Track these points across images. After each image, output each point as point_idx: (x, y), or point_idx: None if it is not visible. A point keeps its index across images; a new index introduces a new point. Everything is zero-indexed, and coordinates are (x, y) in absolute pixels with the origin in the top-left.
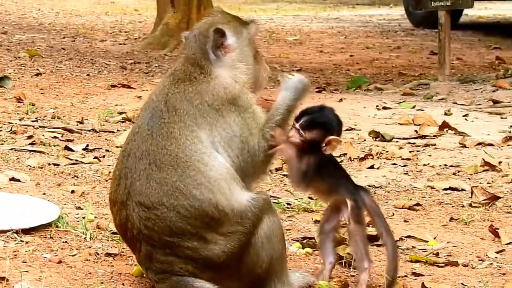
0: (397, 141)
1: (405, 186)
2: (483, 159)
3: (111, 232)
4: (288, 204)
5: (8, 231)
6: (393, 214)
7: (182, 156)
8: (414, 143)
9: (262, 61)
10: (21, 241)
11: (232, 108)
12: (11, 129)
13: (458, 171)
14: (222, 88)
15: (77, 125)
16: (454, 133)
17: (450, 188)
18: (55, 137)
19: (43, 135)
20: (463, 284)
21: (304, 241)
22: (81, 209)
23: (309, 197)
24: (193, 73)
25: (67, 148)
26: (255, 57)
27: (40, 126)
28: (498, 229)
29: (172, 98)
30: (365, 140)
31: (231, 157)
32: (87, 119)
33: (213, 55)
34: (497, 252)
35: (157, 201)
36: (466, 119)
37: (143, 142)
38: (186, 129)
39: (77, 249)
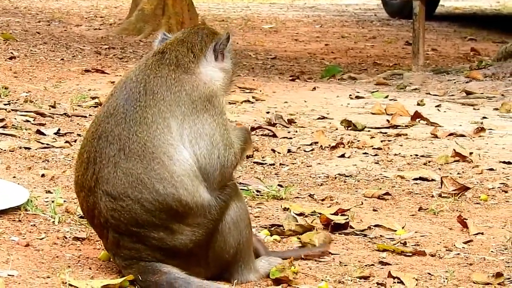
0: (369, 131)
1: (375, 176)
2: (454, 150)
3: (79, 216)
4: (257, 191)
5: None
6: (362, 203)
7: (150, 146)
8: (385, 133)
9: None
10: None
11: (208, 105)
12: None
13: (429, 161)
14: (202, 83)
15: (50, 109)
16: (426, 124)
17: (420, 178)
18: (27, 121)
19: (15, 118)
20: (429, 273)
21: (273, 228)
22: (51, 193)
23: (278, 185)
24: (185, 58)
25: (38, 132)
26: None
27: (12, 110)
28: (467, 219)
29: (153, 82)
30: (336, 129)
31: (197, 155)
32: (59, 104)
33: (214, 56)
34: (464, 243)
35: (123, 193)
36: (438, 110)
37: (117, 125)
38: (159, 115)
39: (45, 232)
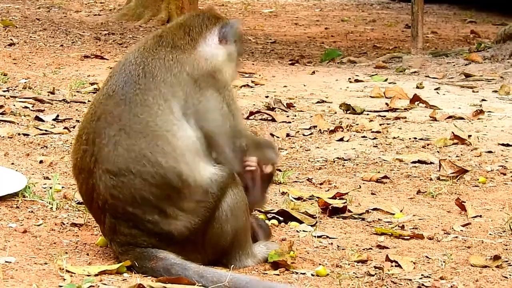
0: (367, 114)
1: (373, 159)
2: (453, 133)
3: (77, 202)
4: None
5: None
6: (360, 187)
7: (152, 125)
8: (384, 116)
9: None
10: None
11: (211, 81)
12: None
13: (428, 144)
14: (203, 59)
15: (48, 95)
16: (425, 107)
17: (419, 161)
18: (26, 107)
19: (14, 105)
20: (427, 256)
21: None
22: (49, 179)
23: (277, 169)
24: (181, 40)
25: (37, 118)
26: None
27: (11, 96)
28: (465, 202)
29: (152, 64)
30: (335, 113)
31: (205, 130)
32: (58, 90)
33: (217, 38)
34: (463, 226)
35: (124, 168)
36: (437, 93)
37: (116, 107)
38: (160, 97)
39: (43, 219)
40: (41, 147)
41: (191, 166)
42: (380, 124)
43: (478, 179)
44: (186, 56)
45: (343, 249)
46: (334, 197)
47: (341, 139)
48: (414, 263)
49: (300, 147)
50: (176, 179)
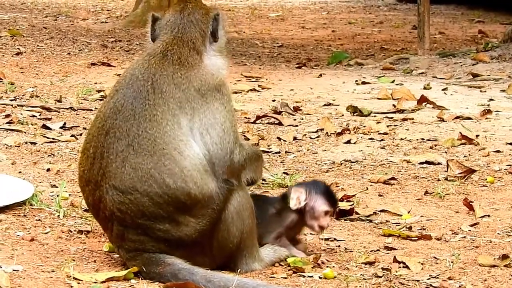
0: (375, 116)
1: (381, 161)
2: (461, 133)
3: (84, 209)
4: (263, 179)
5: None
6: (367, 189)
7: (160, 142)
8: (392, 118)
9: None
10: None
11: (217, 95)
12: None
13: (435, 145)
14: (210, 75)
15: (55, 103)
16: (433, 107)
17: (426, 162)
18: (33, 116)
19: (21, 113)
20: (435, 257)
21: None
22: (56, 187)
23: (284, 173)
24: (188, 58)
25: (44, 126)
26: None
27: (18, 105)
28: (473, 202)
29: (160, 80)
30: (342, 115)
31: (207, 144)
32: (65, 98)
33: (212, 39)
34: (471, 226)
35: (131, 186)
36: (445, 93)
37: (125, 121)
38: (169, 113)
39: (50, 226)
40: (48, 155)
41: (199, 184)
42: (388, 126)
43: (486, 179)
44: (194, 72)
45: (350, 251)
46: (341, 200)
47: (348, 142)
48: (422, 264)
49: (307, 150)
50: (185, 197)
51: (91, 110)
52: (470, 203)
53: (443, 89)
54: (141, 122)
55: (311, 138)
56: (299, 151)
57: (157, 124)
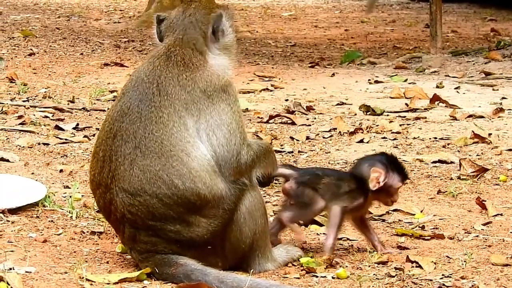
0: (387, 115)
1: None
2: (473, 132)
3: (97, 210)
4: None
5: None
6: None
7: (167, 144)
8: (404, 117)
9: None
10: (7, 221)
11: (224, 96)
12: (1, 110)
13: (448, 144)
14: (216, 76)
15: (68, 104)
16: (445, 106)
17: (439, 161)
18: (46, 117)
19: (34, 114)
20: (448, 256)
21: None
22: (69, 188)
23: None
24: (192, 59)
25: (57, 127)
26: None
27: (31, 106)
28: (485, 201)
29: (165, 82)
30: (355, 115)
31: (214, 146)
32: (78, 98)
33: (214, 38)
34: (483, 224)
35: (140, 188)
36: (457, 92)
37: (131, 124)
38: (175, 114)
39: (62, 228)
40: (61, 156)
41: (208, 184)
42: (400, 125)
43: (498, 178)
44: (199, 73)
45: (363, 251)
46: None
47: (361, 141)
48: (435, 263)
49: (320, 149)
50: (194, 197)
51: (104, 110)
52: (483, 202)
53: (455, 88)
54: (148, 124)
55: (324, 137)
56: (312, 150)
57: (163, 126)
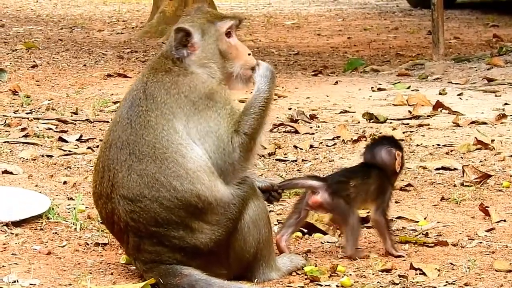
0: (391, 122)
1: None
2: (476, 138)
3: (100, 222)
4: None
5: None
6: None
7: (159, 147)
8: (407, 124)
9: (239, 57)
10: (11, 233)
11: (210, 103)
12: (5, 122)
13: (451, 151)
14: (200, 82)
15: (71, 116)
16: (448, 113)
17: (443, 168)
18: (49, 129)
19: (37, 127)
20: (451, 263)
21: None
22: (73, 199)
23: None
24: (167, 65)
25: (60, 139)
26: (225, 53)
27: (34, 118)
28: (489, 207)
29: (151, 87)
30: (359, 122)
31: (208, 152)
32: (81, 110)
33: (176, 54)
34: (487, 231)
35: (139, 194)
36: (460, 98)
37: (123, 131)
38: (162, 117)
39: (67, 240)
40: (65, 168)
41: (208, 185)
42: (404, 132)
43: (501, 184)
44: (181, 78)
45: (367, 258)
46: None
47: None
48: (439, 270)
49: (324, 158)
50: (195, 199)
51: (107, 121)
52: (486, 208)
53: (458, 94)
54: (138, 129)
55: (327, 145)
56: (315, 159)
57: (152, 130)
